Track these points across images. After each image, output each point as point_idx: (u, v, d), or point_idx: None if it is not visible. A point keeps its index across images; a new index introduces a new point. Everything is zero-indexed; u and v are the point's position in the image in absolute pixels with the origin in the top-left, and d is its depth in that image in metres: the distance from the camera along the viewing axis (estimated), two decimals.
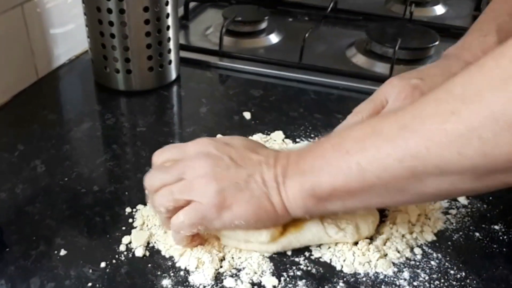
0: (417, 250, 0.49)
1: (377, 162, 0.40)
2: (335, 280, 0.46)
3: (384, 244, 0.49)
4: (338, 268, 0.47)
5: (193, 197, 0.45)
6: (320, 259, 0.48)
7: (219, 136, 0.63)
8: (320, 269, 0.47)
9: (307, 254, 0.49)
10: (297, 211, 0.46)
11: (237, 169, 0.45)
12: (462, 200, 0.56)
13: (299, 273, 0.47)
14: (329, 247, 0.49)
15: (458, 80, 0.38)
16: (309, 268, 0.47)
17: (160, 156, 0.50)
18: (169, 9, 0.72)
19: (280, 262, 0.48)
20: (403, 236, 0.51)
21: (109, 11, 0.68)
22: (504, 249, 0.50)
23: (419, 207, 0.53)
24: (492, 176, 0.38)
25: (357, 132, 0.43)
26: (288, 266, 0.47)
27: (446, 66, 0.59)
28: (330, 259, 0.48)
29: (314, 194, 0.44)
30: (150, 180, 0.48)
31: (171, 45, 0.75)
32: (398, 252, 0.49)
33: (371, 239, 0.50)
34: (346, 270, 0.47)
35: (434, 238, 0.51)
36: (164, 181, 0.47)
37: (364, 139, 0.42)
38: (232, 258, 0.48)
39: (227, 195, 0.44)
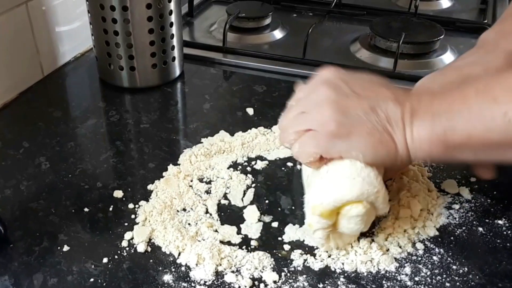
0: (419, 245, 0.49)
1: None
2: (336, 275, 0.46)
3: (386, 240, 0.49)
4: (339, 264, 0.47)
5: (310, 126, 0.44)
6: (321, 255, 0.48)
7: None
8: (321, 264, 0.47)
9: (307, 249, 0.49)
10: (420, 154, 0.43)
11: (359, 99, 0.44)
12: (466, 194, 0.55)
13: (299, 268, 0.47)
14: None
15: None
16: (309, 264, 0.47)
17: (293, 99, 0.50)
18: (172, 6, 0.72)
19: (281, 257, 0.48)
20: (405, 231, 0.50)
21: (112, 8, 0.68)
22: (508, 244, 0.50)
23: (421, 202, 0.53)
24: None
25: (507, 80, 0.40)
26: (288, 261, 0.47)
27: (486, 62, 0.53)
28: (330, 255, 0.48)
29: (444, 140, 0.41)
30: (280, 121, 0.49)
31: (175, 42, 0.75)
32: (400, 247, 0.48)
33: (373, 234, 0.50)
34: (347, 268, 0.47)
35: (437, 233, 0.50)
36: (289, 117, 0.47)
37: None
38: (232, 255, 0.48)
39: (344, 123, 0.43)
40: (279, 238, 0.50)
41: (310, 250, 0.49)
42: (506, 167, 0.55)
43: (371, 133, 0.43)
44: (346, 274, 0.46)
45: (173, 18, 0.73)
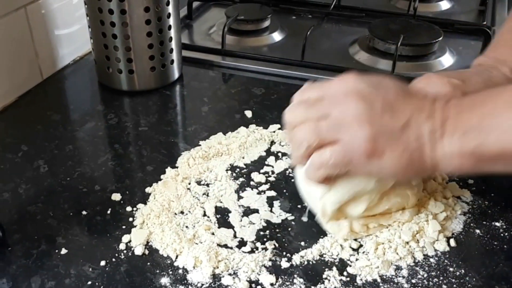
0: (416, 247, 0.49)
1: None
2: (331, 278, 0.46)
3: (384, 242, 0.49)
4: (336, 266, 0.47)
5: (344, 137, 0.42)
6: (318, 258, 0.48)
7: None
8: (318, 266, 0.47)
9: (304, 252, 0.49)
10: (450, 169, 0.42)
11: (393, 115, 0.41)
12: (465, 197, 0.55)
13: (296, 271, 0.47)
14: (329, 247, 0.49)
15: None
16: (306, 266, 0.47)
17: (302, 95, 0.47)
18: (170, 9, 0.72)
19: (278, 260, 0.48)
20: (402, 240, 0.50)
21: (111, 12, 0.69)
22: (505, 246, 0.50)
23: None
24: None
25: None
26: (285, 264, 0.47)
27: (485, 75, 0.54)
28: (328, 260, 0.48)
29: (476, 154, 0.40)
30: (293, 114, 0.45)
31: (173, 44, 0.75)
32: (397, 253, 0.48)
33: (370, 237, 0.50)
34: (344, 270, 0.47)
35: (434, 235, 0.50)
36: (308, 116, 0.44)
37: None
38: (229, 258, 0.48)
39: (380, 143, 0.41)
40: (278, 240, 0.50)
41: (307, 253, 0.49)
42: None
43: (404, 153, 0.41)
44: (342, 277, 0.46)
45: (171, 21, 0.73)
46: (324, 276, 0.46)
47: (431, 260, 0.48)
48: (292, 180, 0.58)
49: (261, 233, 0.51)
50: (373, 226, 0.50)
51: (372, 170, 0.43)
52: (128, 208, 0.54)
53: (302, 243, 0.50)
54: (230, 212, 0.53)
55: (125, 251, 0.49)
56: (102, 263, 0.47)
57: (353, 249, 0.49)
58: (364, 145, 0.41)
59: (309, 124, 0.43)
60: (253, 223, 0.52)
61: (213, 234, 0.50)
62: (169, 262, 0.48)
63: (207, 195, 0.56)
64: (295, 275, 0.46)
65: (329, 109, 0.43)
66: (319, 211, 0.49)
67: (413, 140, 0.41)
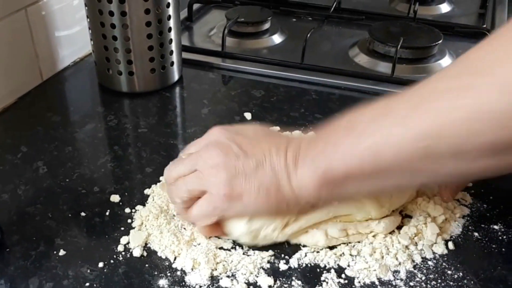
0: (414, 250, 0.49)
1: (390, 144, 0.39)
2: (329, 281, 0.46)
3: (381, 243, 0.49)
4: (334, 269, 0.47)
5: (205, 188, 0.46)
6: (316, 261, 0.48)
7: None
8: (316, 269, 0.47)
9: (302, 255, 0.49)
10: (309, 199, 0.45)
11: (246, 158, 0.45)
12: (464, 200, 0.55)
13: (294, 273, 0.47)
14: (327, 249, 0.49)
15: (470, 55, 0.37)
16: (304, 269, 0.47)
17: (184, 151, 0.51)
18: (170, 11, 0.72)
19: (276, 262, 0.48)
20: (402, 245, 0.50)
21: (111, 13, 0.69)
22: (503, 249, 0.49)
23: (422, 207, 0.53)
24: (510, 153, 0.36)
25: (369, 113, 0.42)
26: (283, 266, 0.47)
27: None
28: (328, 262, 0.48)
29: (327, 179, 0.43)
30: (168, 172, 0.50)
31: (173, 46, 0.75)
32: (397, 259, 0.48)
33: (367, 239, 0.50)
34: (342, 272, 0.47)
35: (432, 238, 0.50)
36: (179, 173, 0.48)
37: (376, 120, 0.41)
38: (227, 260, 0.48)
39: (236, 185, 0.44)
40: (275, 242, 0.50)
41: (304, 255, 0.49)
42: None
43: (260, 190, 0.44)
44: (340, 280, 0.46)
45: (171, 23, 0.73)
46: (322, 278, 0.46)
47: (429, 263, 0.48)
48: None
49: None
50: (352, 232, 0.49)
51: (238, 211, 0.46)
52: (127, 210, 0.54)
53: (300, 245, 0.50)
54: None
55: (123, 253, 0.49)
56: (100, 264, 0.47)
57: (351, 254, 0.49)
58: (222, 189, 0.45)
59: (180, 180, 0.48)
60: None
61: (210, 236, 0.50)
62: (167, 264, 0.48)
63: None
64: (293, 277, 0.46)
65: (195, 162, 0.47)
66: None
67: (268, 176, 0.44)
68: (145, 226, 0.51)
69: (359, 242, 0.50)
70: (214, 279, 0.46)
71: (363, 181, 0.43)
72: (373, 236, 0.50)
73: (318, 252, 0.49)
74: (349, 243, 0.50)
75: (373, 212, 0.50)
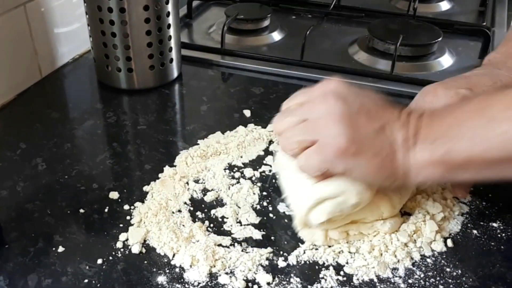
0: (413, 248, 0.49)
1: None
2: (328, 278, 0.46)
3: (380, 241, 0.49)
4: (333, 265, 0.47)
5: (317, 137, 0.43)
6: (315, 258, 0.48)
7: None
8: (314, 266, 0.47)
9: (301, 252, 0.49)
10: (421, 178, 0.43)
11: (369, 118, 0.42)
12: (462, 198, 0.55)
13: (293, 270, 0.47)
14: (326, 246, 0.49)
15: None
16: (303, 266, 0.47)
17: (288, 103, 0.48)
18: (169, 7, 0.72)
19: (274, 259, 0.48)
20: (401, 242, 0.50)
21: (110, 10, 0.69)
22: (502, 247, 0.50)
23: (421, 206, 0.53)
24: None
25: (504, 98, 0.40)
26: (282, 263, 0.47)
27: (494, 75, 0.54)
28: (327, 259, 0.48)
29: (445, 162, 0.41)
30: (276, 123, 0.47)
31: (172, 43, 0.75)
32: (396, 256, 0.48)
33: (367, 236, 0.50)
34: (340, 269, 0.47)
35: (431, 235, 0.50)
36: (289, 123, 0.45)
37: (511, 106, 0.39)
38: (226, 256, 0.48)
39: (355, 142, 0.42)
40: (275, 239, 0.50)
41: (303, 252, 0.49)
42: None
43: (376, 156, 0.42)
44: (339, 277, 0.46)
45: (170, 20, 0.73)
46: (320, 275, 0.46)
47: (428, 260, 0.48)
48: None
49: (259, 232, 0.51)
50: (353, 233, 0.49)
51: (346, 168, 0.43)
52: (126, 207, 0.54)
53: (299, 243, 0.50)
54: (227, 211, 0.53)
55: (122, 250, 0.49)
56: (99, 261, 0.47)
57: (350, 251, 0.49)
58: (338, 140, 0.42)
59: (289, 131, 0.45)
60: (251, 223, 0.52)
61: (210, 233, 0.50)
62: (166, 260, 0.48)
63: (205, 194, 0.55)
64: (292, 274, 0.46)
65: (308, 111, 0.44)
66: (297, 216, 0.49)
67: (387, 145, 0.42)
68: (144, 223, 0.51)
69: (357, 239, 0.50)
70: (212, 276, 0.46)
71: (485, 168, 0.41)
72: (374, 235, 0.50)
73: (316, 249, 0.49)
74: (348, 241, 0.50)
75: (386, 213, 0.50)
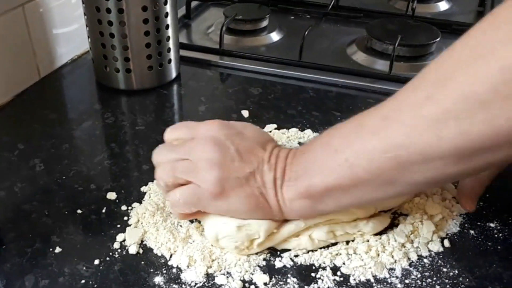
0: (410, 248, 0.49)
1: (363, 156, 0.41)
2: (325, 278, 0.46)
3: (377, 242, 0.49)
4: (330, 266, 0.47)
5: (194, 179, 0.46)
6: (311, 259, 0.48)
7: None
8: (311, 267, 0.47)
9: (298, 252, 0.49)
10: (292, 214, 0.47)
11: (241, 163, 0.45)
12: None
13: (290, 271, 0.47)
14: (321, 249, 0.49)
15: (431, 65, 0.40)
16: (299, 266, 0.47)
17: (171, 134, 0.51)
18: (168, 8, 0.72)
19: (271, 260, 0.48)
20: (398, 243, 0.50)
21: (108, 11, 0.69)
22: (499, 247, 0.50)
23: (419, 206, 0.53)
24: (475, 157, 0.38)
25: (343, 128, 0.44)
26: (278, 264, 0.48)
27: None
28: (324, 260, 0.48)
29: (308, 195, 0.44)
30: (157, 155, 0.50)
31: (171, 44, 0.75)
32: (393, 256, 0.48)
33: (363, 236, 0.50)
34: (337, 270, 0.47)
35: (428, 235, 0.50)
36: (169, 158, 0.48)
37: (350, 134, 0.43)
38: (222, 257, 0.48)
39: (226, 186, 0.45)
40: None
41: (300, 253, 0.49)
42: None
43: (249, 197, 0.45)
44: (335, 277, 0.46)
45: (169, 20, 0.73)
46: (317, 276, 0.46)
47: (425, 260, 0.48)
48: None
49: None
50: (339, 233, 0.49)
51: (219, 210, 0.47)
52: (123, 207, 0.54)
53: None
54: None
55: (119, 250, 0.49)
56: (96, 261, 0.47)
57: (347, 252, 0.49)
58: (211, 185, 0.45)
59: (168, 165, 0.47)
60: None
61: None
62: (163, 261, 0.48)
63: None
64: (289, 275, 0.46)
65: (188, 152, 0.47)
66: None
67: (257, 186, 0.45)
68: (141, 223, 0.51)
69: (353, 240, 0.50)
70: (209, 277, 0.46)
71: (342, 195, 0.44)
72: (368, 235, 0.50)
73: (313, 250, 0.49)
74: (346, 242, 0.50)
75: (359, 212, 0.50)
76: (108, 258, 0.48)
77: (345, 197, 0.44)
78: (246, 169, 0.45)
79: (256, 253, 0.48)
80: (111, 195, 0.55)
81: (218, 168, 0.45)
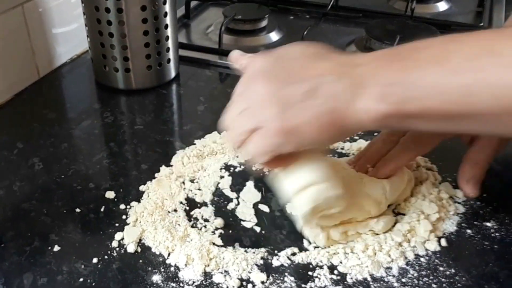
0: (407, 247, 0.49)
1: (494, 89, 0.34)
2: (322, 277, 0.46)
3: (374, 240, 0.50)
4: (327, 265, 0.47)
5: (256, 124, 0.42)
6: (309, 258, 0.48)
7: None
8: (308, 265, 0.47)
9: (295, 251, 0.49)
10: (372, 125, 0.40)
11: (297, 84, 0.40)
12: (457, 197, 0.56)
13: (287, 269, 0.47)
14: (319, 248, 0.49)
15: None
16: (297, 265, 0.48)
17: (235, 91, 0.46)
18: (167, 7, 0.72)
19: (269, 258, 0.48)
20: (393, 240, 0.50)
21: (107, 10, 0.69)
22: (496, 246, 0.50)
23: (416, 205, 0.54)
24: None
25: (468, 48, 0.36)
26: (276, 262, 0.48)
27: None
28: (321, 258, 0.48)
29: (399, 110, 0.38)
30: (224, 121, 0.46)
31: (170, 43, 0.75)
32: (389, 255, 0.48)
33: (360, 235, 0.50)
34: (334, 268, 0.47)
35: (425, 234, 0.51)
36: (232, 116, 0.44)
37: (479, 58, 0.35)
38: (220, 256, 0.48)
39: (289, 117, 0.40)
40: (270, 238, 0.50)
41: (297, 252, 0.49)
42: (495, 169, 0.56)
43: (318, 118, 0.40)
44: (333, 276, 0.46)
45: (168, 20, 0.73)
46: (314, 274, 0.46)
47: (422, 259, 0.48)
48: None
49: (254, 232, 0.51)
50: (351, 233, 0.50)
51: (296, 145, 0.42)
52: (122, 206, 0.54)
53: (294, 242, 0.50)
54: (223, 210, 0.54)
55: (117, 249, 0.49)
56: (95, 260, 0.47)
57: (345, 251, 0.49)
58: (272, 123, 0.41)
59: (232, 124, 0.44)
60: (246, 221, 0.52)
61: (204, 232, 0.51)
62: (161, 259, 0.48)
63: (201, 194, 0.56)
64: (286, 273, 0.47)
65: (245, 100, 0.43)
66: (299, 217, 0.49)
67: (324, 103, 0.39)
68: (140, 222, 0.51)
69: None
70: (207, 275, 0.46)
71: (441, 120, 0.38)
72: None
73: (310, 249, 0.49)
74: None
75: (373, 211, 0.50)
76: (106, 257, 0.48)
77: (443, 124, 0.39)
78: (304, 88, 0.40)
79: (254, 252, 0.48)
80: (110, 194, 0.55)
81: (272, 100, 0.41)
